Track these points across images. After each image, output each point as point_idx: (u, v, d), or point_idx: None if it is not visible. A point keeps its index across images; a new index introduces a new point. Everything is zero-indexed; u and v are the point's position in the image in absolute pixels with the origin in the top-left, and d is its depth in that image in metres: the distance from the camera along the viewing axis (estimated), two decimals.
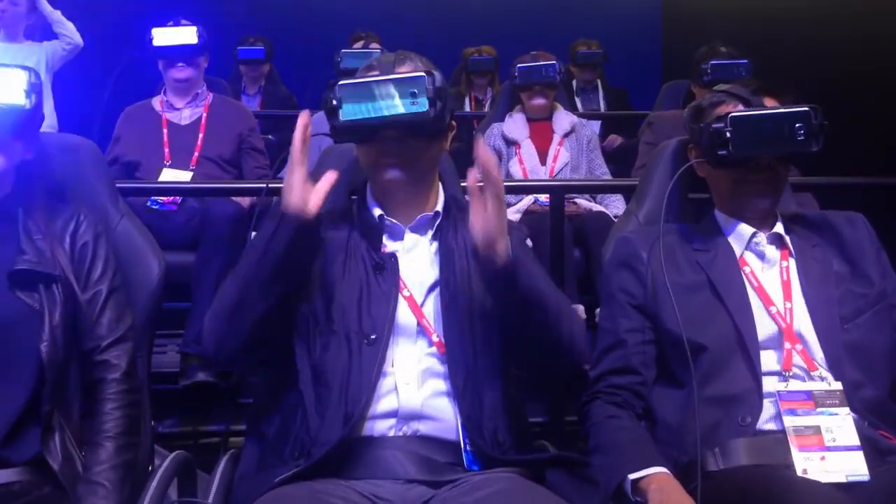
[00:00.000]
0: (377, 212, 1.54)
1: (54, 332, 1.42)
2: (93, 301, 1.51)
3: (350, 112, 1.41)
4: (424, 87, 1.40)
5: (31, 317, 1.42)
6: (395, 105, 1.40)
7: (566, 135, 3.47)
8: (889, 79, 3.46)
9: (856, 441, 1.44)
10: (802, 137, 1.54)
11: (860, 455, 1.42)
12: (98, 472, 1.39)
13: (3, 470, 1.36)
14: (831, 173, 3.00)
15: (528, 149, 3.43)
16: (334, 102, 1.41)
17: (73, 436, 1.43)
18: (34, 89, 1.48)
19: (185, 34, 3.17)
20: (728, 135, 1.54)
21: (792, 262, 1.61)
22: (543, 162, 3.41)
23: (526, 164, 3.40)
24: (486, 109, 5.08)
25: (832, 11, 3.95)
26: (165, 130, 3.15)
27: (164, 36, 3.17)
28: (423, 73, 1.41)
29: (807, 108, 1.55)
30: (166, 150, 3.11)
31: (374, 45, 3.76)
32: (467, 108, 5.23)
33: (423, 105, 1.40)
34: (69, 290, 1.47)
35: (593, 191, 3.37)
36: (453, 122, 1.58)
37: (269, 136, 4.28)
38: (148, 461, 1.57)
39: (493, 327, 1.47)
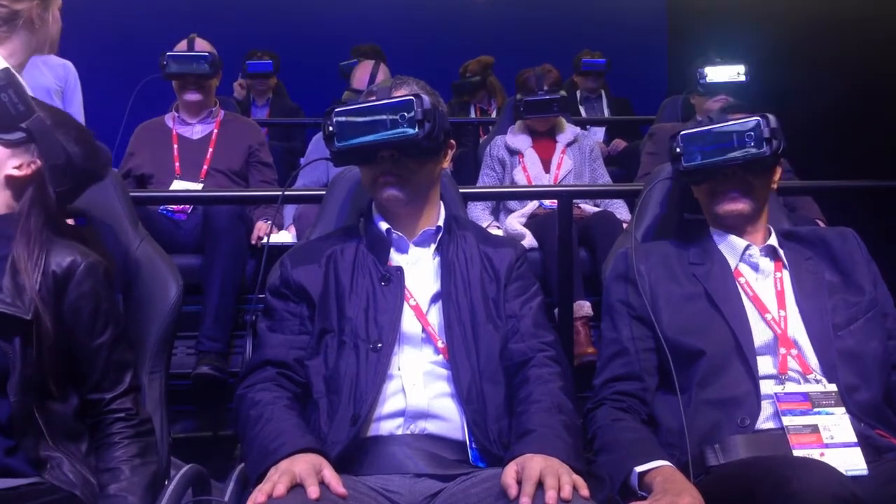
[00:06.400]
0: (384, 225, 1.62)
1: (24, 381, 1.35)
2: (96, 355, 1.46)
3: (345, 137, 1.53)
4: (413, 110, 1.50)
5: (3, 360, 1.35)
6: (386, 128, 1.51)
7: (569, 144, 3.51)
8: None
9: (853, 438, 1.49)
10: (753, 144, 1.64)
11: (858, 451, 1.47)
12: (118, 488, 1.41)
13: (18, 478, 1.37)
14: (834, 177, 3.04)
15: (531, 157, 3.47)
16: (330, 129, 1.53)
17: (87, 466, 1.43)
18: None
19: (197, 64, 3.23)
20: (678, 150, 1.69)
21: (786, 273, 1.68)
22: (547, 170, 3.45)
23: (530, 172, 3.44)
24: (493, 115, 5.16)
25: (839, 23, 3.96)
26: (176, 145, 3.23)
27: (177, 65, 3.23)
28: (411, 98, 1.51)
29: (756, 119, 1.65)
30: (177, 163, 3.18)
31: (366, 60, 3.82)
32: (472, 115, 5.32)
33: (411, 127, 1.50)
34: (45, 332, 1.38)
35: (599, 196, 3.42)
36: (452, 141, 1.68)
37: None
38: (165, 476, 1.59)
39: (494, 335, 1.54)
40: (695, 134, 1.68)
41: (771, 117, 1.65)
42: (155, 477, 1.48)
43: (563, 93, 3.49)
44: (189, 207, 3.03)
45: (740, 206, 1.67)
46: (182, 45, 3.28)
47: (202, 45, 3.29)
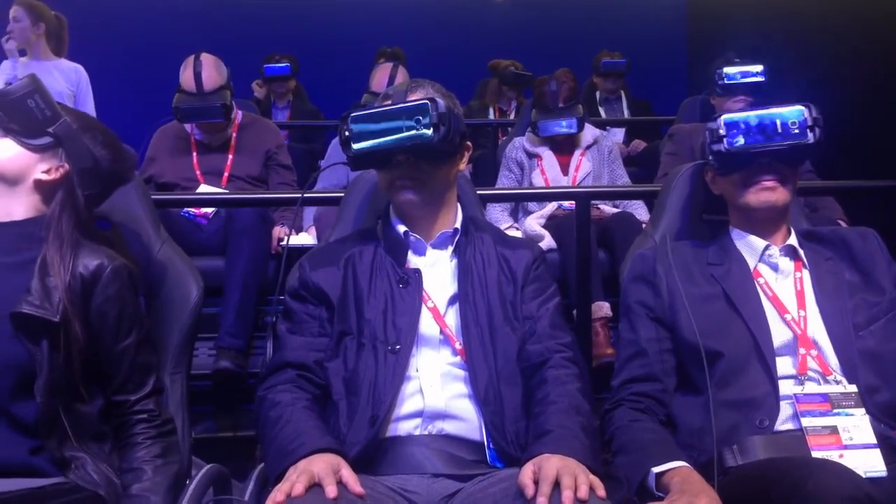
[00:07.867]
0: (401, 228, 1.64)
1: (51, 383, 1.37)
2: (120, 358, 1.48)
3: (361, 142, 1.55)
4: (428, 114, 1.51)
5: (30, 361, 1.37)
6: (401, 132, 1.52)
7: (588, 147, 3.51)
8: None
9: (872, 439, 1.48)
10: (797, 131, 1.62)
11: (877, 452, 1.46)
12: (140, 488, 1.43)
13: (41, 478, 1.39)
14: (855, 177, 3.01)
15: (549, 160, 3.47)
16: (347, 134, 1.55)
17: (110, 466, 1.45)
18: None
19: (213, 113, 3.11)
20: (721, 132, 1.64)
21: (805, 273, 1.67)
22: (566, 172, 3.45)
23: (548, 175, 3.44)
24: (512, 117, 5.16)
25: (858, 21, 3.93)
26: (195, 153, 3.24)
27: (190, 115, 3.12)
28: (426, 101, 1.52)
29: (800, 107, 1.63)
30: (197, 172, 3.20)
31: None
32: (491, 117, 5.32)
33: (426, 130, 1.51)
34: (73, 335, 1.40)
35: (617, 197, 3.41)
36: (468, 143, 1.68)
37: None
38: (186, 475, 1.61)
39: (512, 336, 1.55)
40: (739, 118, 1.64)
41: (812, 106, 1.63)
42: (177, 477, 1.50)
43: (579, 108, 3.46)
44: (211, 213, 3.06)
45: (775, 195, 1.64)
46: (188, 76, 3.13)
47: (210, 75, 3.13)
